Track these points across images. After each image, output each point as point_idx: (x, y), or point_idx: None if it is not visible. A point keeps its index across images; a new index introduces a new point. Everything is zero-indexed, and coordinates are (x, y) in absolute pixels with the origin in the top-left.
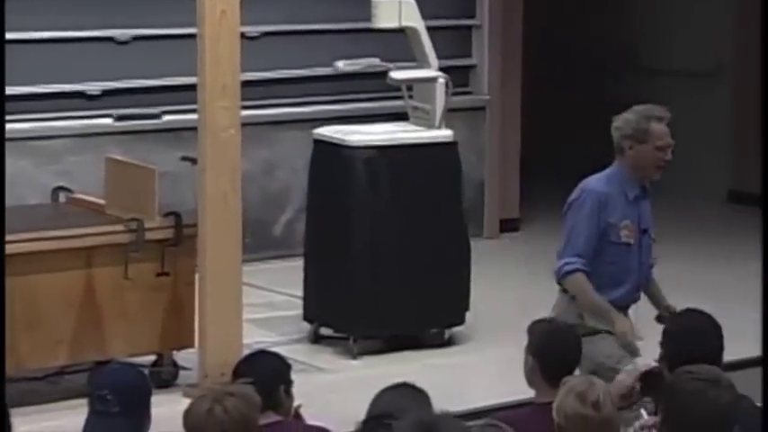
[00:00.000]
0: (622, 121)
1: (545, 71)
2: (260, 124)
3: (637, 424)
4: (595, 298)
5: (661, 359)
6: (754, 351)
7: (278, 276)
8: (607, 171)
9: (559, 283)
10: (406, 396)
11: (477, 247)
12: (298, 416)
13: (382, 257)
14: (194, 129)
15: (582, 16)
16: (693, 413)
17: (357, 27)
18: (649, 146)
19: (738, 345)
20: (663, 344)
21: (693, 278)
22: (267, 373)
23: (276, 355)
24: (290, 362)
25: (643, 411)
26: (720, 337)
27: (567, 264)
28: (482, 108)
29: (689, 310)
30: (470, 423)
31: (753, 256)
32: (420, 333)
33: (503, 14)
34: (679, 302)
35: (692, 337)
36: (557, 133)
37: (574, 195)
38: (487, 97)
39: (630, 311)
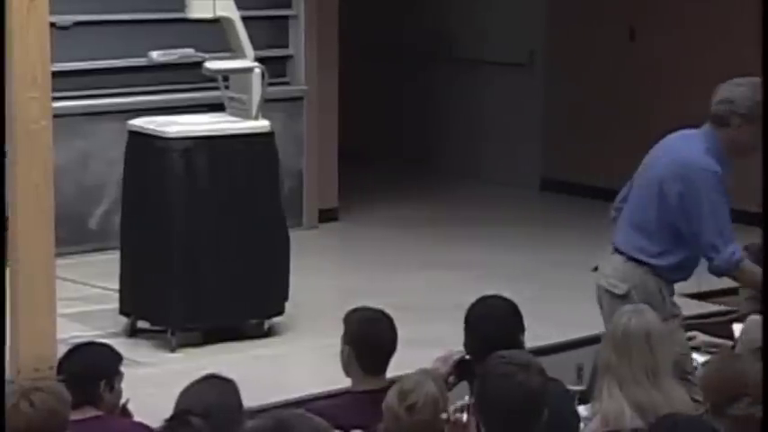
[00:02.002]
0: (737, 96)
1: (363, 61)
2: (74, 116)
3: (451, 408)
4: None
5: (465, 345)
6: (562, 336)
7: (94, 270)
8: (703, 145)
9: (729, 275)
10: (214, 388)
11: (297, 237)
12: (124, 412)
13: (199, 249)
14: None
15: (399, 6)
16: (503, 397)
17: (171, 17)
18: (758, 130)
19: (543, 330)
20: (465, 330)
21: (503, 264)
22: (85, 367)
23: (101, 348)
24: None
25: (467, 397)
26: (520, 322)
27: (734, 253)
28: (300, 98)
29: (489, 297)
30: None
31: (561, 243)
32: (239, 324)
33: (318, 4)
34: (488, 287)
35: (492, 322)
36: (375, 123)
37: (690, 176)
38: (305, 87)
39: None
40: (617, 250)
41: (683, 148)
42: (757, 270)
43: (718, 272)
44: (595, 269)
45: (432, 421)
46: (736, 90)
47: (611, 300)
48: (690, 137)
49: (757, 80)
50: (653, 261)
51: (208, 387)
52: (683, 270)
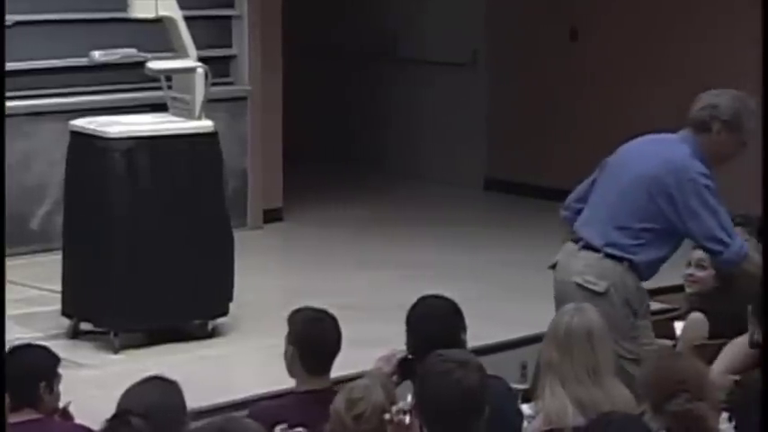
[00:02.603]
0: (721, 102)
1: (308, 61)
2: (15, 116)
3: (394, 408)
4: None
5: (406, 345)
6: (507, 334)
7: (36, 271)
8: (688, 149)
9: (737, 266)
10: (156, 389)
11: (241, 237)
12: (65, 414)
13: (142, 250)
14: None
15: (343, 6)
16: (442, 395)
17: (113, 17)
18: (737, 138)
19: (487, 329)
20: (406, 331)
21: (447, 264)
22: (23, 369)
23: (39, 350)
24: None
25: (409, 396)
26: (461, 321)
27: (742, 246)
28: (243, 98)
29: (429, 296)
30: (210, 419)
31: (505, 243)
32: (183, 325)
33: (262, 4)
34: (432, 287)
35: (433, 322)
36: (319, 123)
37: (683, 178)
38: (248, 87)
39: None
40: (589, 246)
41: (669, 151)
42: (759, 257)
43: (727, 264)
44: (553, 266)
45: (378, 427)
46: (720, 98)
47: (588, 297)
48: (670, 141)
49: (739, 93)
50: (632, 256)
51: (150, 388)
52: (655, 267)
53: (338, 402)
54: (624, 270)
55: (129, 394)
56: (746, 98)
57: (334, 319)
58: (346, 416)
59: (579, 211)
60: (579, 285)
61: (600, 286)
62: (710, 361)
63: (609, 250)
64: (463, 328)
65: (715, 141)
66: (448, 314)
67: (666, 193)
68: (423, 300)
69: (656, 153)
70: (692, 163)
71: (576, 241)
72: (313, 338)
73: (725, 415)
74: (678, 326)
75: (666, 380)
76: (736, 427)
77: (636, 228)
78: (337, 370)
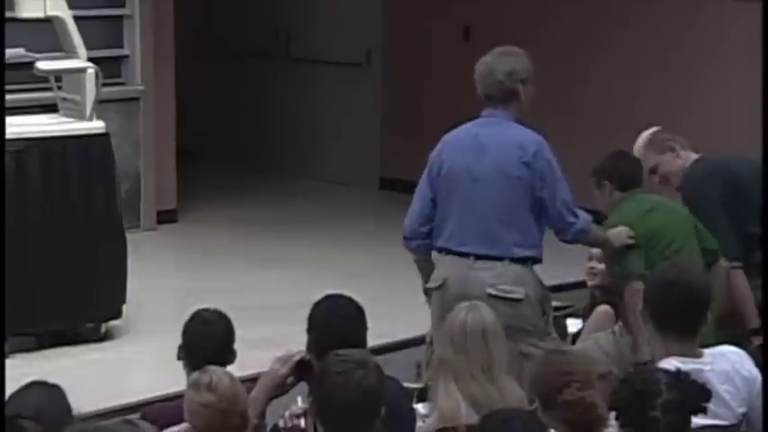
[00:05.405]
0: (513, 65)
1: (201, 60)
2: None
3: (287, 413)
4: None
5: (308, 347)
6: (403, 333)
7: None
8: (518, 125)
9: (584, 237)
10: (40, 393)
11: (135, 239)
12: None
13: (33, 252)
14: None
15: (236, 5)
16: (341, 395)
17: None
18: (532, 90)
19: (383, 328)
20: (308, 329)
21: (342, 263)
22: None
23: None
24: None
25: (299, 398)
26: (364, 321)
27: (588, 217)
28: (136, 99)
29: (331, 296)
30: (105, 422)
31: (400, 241)
32: (76, 328)
33: (154, 3)
34: (329, 287)
35: (335, 321)
36: (214, 123)
37: (539, 152)
38: (141, 87)
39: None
40: (483, 257)
41: (508, 132)
42: (599, 229)
43: (581, 234)
44: (439, 286)
45: (236, 396)
46: (506, 61)
47: (506, 306)
48: (494, 125)
49: (507, 48)
50: (533, 253)
51: (33, 392)
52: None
53: (188, 400)
54: (530, 271)
55: (12, 401)
56: (512, 49)
57: (228, 321)
58: (198, 395)
59: (429, 234)
60: (494, 296)
61: (518, 293)
62: None
63: (513, 253)
64: (366, 327)
65: (523, 104)
66: (352, 314)
67: (531, 168)
68: (327, 299)
69: (502, 141)
70: (536, 136)
71: (463, 255)
72: (194, 341)
73: (612, 413)
74: (571, 323)
75: (555, 373)
76: (622, 426)
77: (522, 218)
78: (235, 371)
